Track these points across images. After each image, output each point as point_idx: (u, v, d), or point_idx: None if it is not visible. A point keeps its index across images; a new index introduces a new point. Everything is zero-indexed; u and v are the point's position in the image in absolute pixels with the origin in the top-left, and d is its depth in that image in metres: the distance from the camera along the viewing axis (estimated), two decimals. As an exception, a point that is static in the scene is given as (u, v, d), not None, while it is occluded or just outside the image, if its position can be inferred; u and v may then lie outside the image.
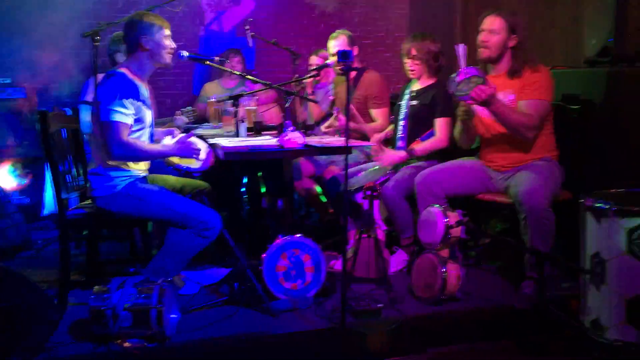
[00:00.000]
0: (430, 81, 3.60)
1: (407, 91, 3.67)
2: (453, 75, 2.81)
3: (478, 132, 3.26)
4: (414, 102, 3.60)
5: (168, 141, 3.09)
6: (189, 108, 4.07)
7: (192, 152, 2.92)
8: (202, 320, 2.74)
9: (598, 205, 2.39)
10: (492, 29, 3.04)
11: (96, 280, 2.75)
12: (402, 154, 3.52)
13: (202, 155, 3.01)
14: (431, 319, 2.80)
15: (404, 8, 6.01)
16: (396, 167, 3.52)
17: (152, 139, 3.07)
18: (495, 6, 3.28)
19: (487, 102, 2.84)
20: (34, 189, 4.58)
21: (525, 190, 2.82)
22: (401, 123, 3.64)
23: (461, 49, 2.86)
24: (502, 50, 3.06)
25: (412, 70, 3.56)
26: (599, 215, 2.40)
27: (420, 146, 3.51)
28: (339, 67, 3.77)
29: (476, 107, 3.17)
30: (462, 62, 2.86)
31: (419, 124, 3.56)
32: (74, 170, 3.09)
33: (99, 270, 3.28)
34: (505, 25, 3.03)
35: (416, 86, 3.65)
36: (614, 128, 3.09)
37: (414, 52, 3.52)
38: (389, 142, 3.81)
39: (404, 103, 3.66)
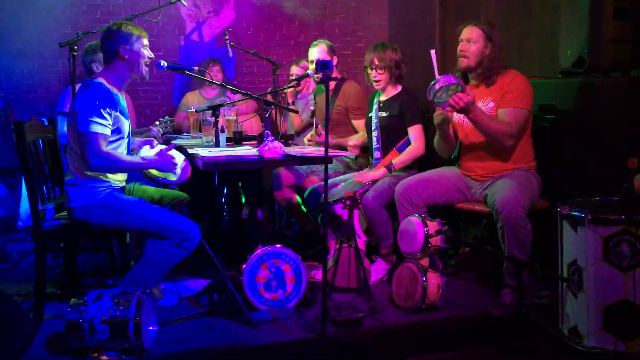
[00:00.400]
0: (395, 90, 3.62)
1: (375, 102, 3.70)
2: (432, 82, 2.84)
3: (458, 140, 3.30)
4: (384, 114, 3.62)
5: (146, 152, 3.07)
6: (167, 118, 4.05)
7: (171, 166, 2.89)
8: (181, 332, 2.71)
9: (574, 213, 2.42)
10: (470, 38, 3.10)
11: (73, 292, 2.71)
12: (381, 172, 3.52)
13: (178, 170, 2.98)
14: (412, 328, 2.81)
15: (384, 19, 6.07)
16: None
17: (130, 148, 3.04)
18: (473, 17, 3.33)
19: (466, 110, 2.88)
20: (9, 201, 4.51)
21: (501, 198, 2.85)
22: (374, 134, 3.66)
23: (433, 54, 2.90)
24: (480, 59, 3.11)
25: (377, 81, 3.58)
26: (575, 224, 2.43)
27: (398, 159, 3.52)
28: (318, 77, 3.78)
29: (456, 115, 3.21)
30: (435, 66, 2.90)
31: (392, 135, 3.58)
32: (50, 182, 3.04)
33: (76, 282, 3.24)
34: (482, 34, 3.09)
35: (382, 97, 3.67)
36: (589, 137, 3.14)
37: (376, 62, 3.54)
38: (366, 149, 3.82)
39: (373, 114, 3.68)
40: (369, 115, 3.73)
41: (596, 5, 3.13)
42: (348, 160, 3.90)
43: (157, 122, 3.96)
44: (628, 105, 3.10)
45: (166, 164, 2.87)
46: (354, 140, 3.85)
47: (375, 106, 3.68)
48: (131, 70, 2.87)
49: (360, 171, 3.67)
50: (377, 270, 3.41)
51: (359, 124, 3.90)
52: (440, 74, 2.86)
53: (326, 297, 2.57)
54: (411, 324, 2.83)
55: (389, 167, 3.51)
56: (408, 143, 3.56)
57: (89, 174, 2.80)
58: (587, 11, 3.18)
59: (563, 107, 3.28)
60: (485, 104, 3.09)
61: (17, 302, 2.60)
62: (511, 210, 2.80)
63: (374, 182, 3.48)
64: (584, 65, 3.24)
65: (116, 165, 2.77)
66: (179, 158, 3.01)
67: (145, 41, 2.89)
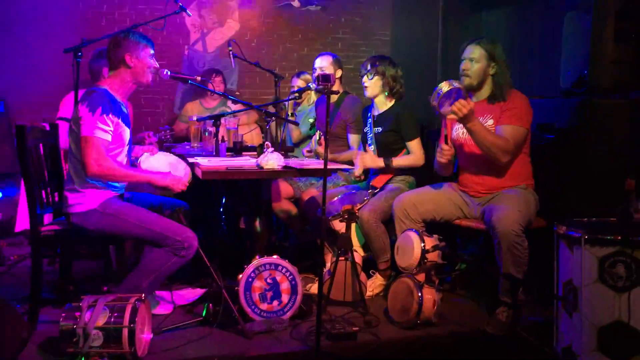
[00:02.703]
0: (389, 104, 3.63)
1: (369, 115, 3.71)
2: (437, 87, 2.85)
3: (457, 158, 3.31)
4: (379, 129, 3.63)
5: (146, 159, 3.08)
6: (166, 127, 4.08)
7: (168, 185, 2.90)
8: (175, 340, 2.70)
9: (571, 233, 2.42)
10: (472, 57, 3.12)
11: (68, 298, 2.70)
12: (380, 162, 3.53)
13: (182, 177, 2.99)
14: (406, 344, 2.80)
15: (387, 35, 6.11)
16: (373, 193, 3.53)
17: (130, 156, 3.05)
18: (475, 35, 3.35)
19: (467, 118, 2.89)
20: (7, 205, 4.51)
21: (497, 216, 2.85)
22: (371, 148, 3.66)
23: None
24: (482, 78, 3.13)
25: (365, 87, 3.59)
26: (571, 243, 2.43)
27: (397, 160, 3.53)
28: (318, 89, 3.79)
29: (454, 132, 3.22)
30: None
31: (388, 150, 3.58)
32: (49, 187, 3.05)
33: (72, 288, 3.23)
34: (484, 53, 3.11)
35: (376, 111, 3.68)
36: (588, 157, 3.15)
37: (368, 67, 3.55)
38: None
39: (368, 129, 3.69)
40: (364, 129, 3.74)
41: (597, 27, 3.16)
42: (347, 174, 3.91)
43: (152, 132, 3.98)
44: (627, 126, 3.12)
45: (166, 180, 2.89)
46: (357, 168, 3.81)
47: (369, 120, 3.69)
48: (136, 79, 2.90)
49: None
50: (374, 284, 3.41)
51: (353, 138, 3.91)
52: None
53: (321, 310, 2.57)
54: (406, 339, 2.82)
55: (387, 162, 3.51)
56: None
57: (88, 180, 2.81)
58: (588, 32, 3.21)
59: (563, 127, 3.30)
60: (484, 121, 3.11)
61: (13, 306, 2.59)
62: (508, 227, 2.80)
63: (372, 195, 3.48)
64: (584, 86, 3.26)
65: (115, 172, 2.78)
66: (180, 165, 3.02)
67: (151, 50, 2.92)
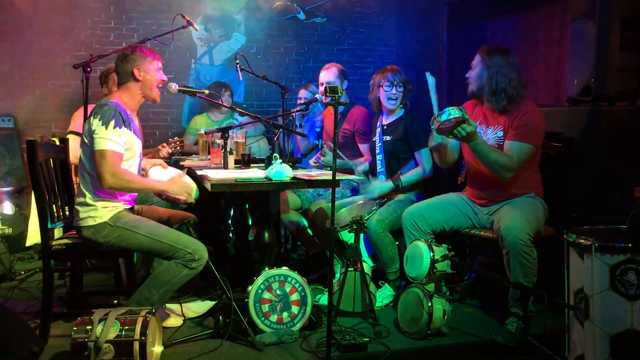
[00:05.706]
0: (399, 113, 3.66)
1: (378, 124, 3.72)
2: (436, 113, 2.85)
3: (459, 152, 3.30)
4: (388, 138, 3.65)
5: (157, 173, 3.10)
6: (176, 139, 4.11)
7: (183, 190, 2.94)
8: (186, 353, 2.71)
9: (581, 241, 2.42)
10: (472, 63, 3.14)
11: (79, 311, 2.71)
12: (388, 184, 3.55)
13: (194, 193, 3.02)
14: (417, 354, 2.79)
15: (392, 45, 6.14)
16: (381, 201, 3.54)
17: (140, 169, 3.07)
18: (480, 44, 3.36)
19: (467, 139, 2.89)
20: (18, 219, 4.54)
21: (507, 226, 2.84)
22: (379, 157, 3.68)
23: (430, 78, 2.92)
24: (479, 84, 3.11)
25: (394, 99, 3.60)
26: (582, 252, 2.42)
27: (405, 176, 3.54)
28: (326, 101, 3.82)
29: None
30: (432, 91, 2.92)
31: (397, 159, 3.61)
32: (60, 201, 3.07)
33: (82, 301, 3.24)
34: (480, 59, 3.11)
35: (385, 120, 3.70)
36: (596, 165, 3.15)
37: (398, 79, 3.57)
38: (372, 173, 3.84)
39: (377, 138, 3.71)
40: (373, 139, 3.75)
41: (603, 35, 3.17)
42: (355, 183, 3.92)
43: (164, 144, 4.02)
44: (634, 134, 3.12)
45: (178, 187, 2.92)
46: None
47: (378, 129, 3.70)
48: (144, 92, 2.93)
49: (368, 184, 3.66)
50: (384, 295, 3.40)
51: (363, 148, 3.92)
52: (437, 99, 2.88)
53: (331, 321, 2.57)
54: (416, 350, 2.81)
55: (396, 181, 3.52)
56: (414, 165, 3.58)
57: (98, 193, 2.83)
58: (594, 41, 3.22)
59: (569, 135, 3.30)
60: (494, 132, 3.10)
61: (25, 321, 2.60)
62: (517, 238, 2.79)
63: (380, 204, 3.49)
64: (590, 94, 3.26)
65: (130, 184, 2.81)
66: (188, 181, 3.04)
67: (159, 64, 2.96)
